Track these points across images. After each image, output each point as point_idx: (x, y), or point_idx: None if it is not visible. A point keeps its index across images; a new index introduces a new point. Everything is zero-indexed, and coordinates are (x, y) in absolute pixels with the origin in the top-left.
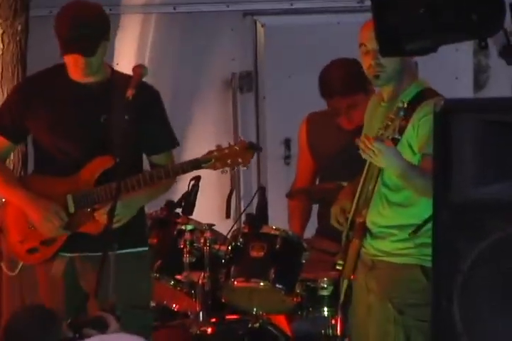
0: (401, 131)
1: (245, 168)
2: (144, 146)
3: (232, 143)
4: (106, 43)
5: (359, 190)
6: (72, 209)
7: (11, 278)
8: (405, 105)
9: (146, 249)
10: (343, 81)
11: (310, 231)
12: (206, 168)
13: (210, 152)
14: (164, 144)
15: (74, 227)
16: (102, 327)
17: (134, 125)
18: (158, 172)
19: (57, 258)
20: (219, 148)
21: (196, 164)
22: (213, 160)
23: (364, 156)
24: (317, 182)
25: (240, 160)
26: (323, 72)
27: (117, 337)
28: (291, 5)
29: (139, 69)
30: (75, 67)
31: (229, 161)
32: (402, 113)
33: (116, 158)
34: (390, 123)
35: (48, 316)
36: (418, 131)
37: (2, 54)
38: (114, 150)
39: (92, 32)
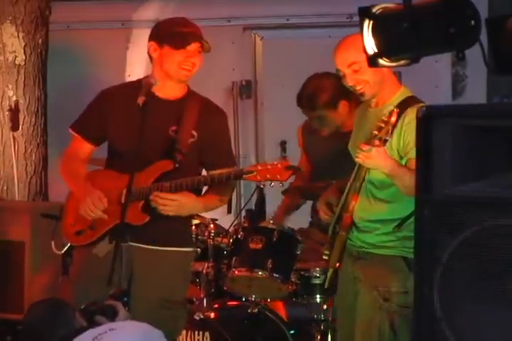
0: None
1: (281, 185)
2: (204, 161)
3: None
4: None
5: (348, 187)
6: (123, 200)
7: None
8: (397, 110)
9: (191, 249)
10: (309, 97)
11: (304, 225)
12: (247, 178)
13: (255, 165)
14: (221, 161)
15: (123, 217)
16: (112, 315)
17: (198, 140)
18: (205, 178)
19: (103, 241)
20: (264, 163)
21: (240, 173)
22: (255, 173)
23: (356, 160)
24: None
25: (278, 176)
26: (301, 87)
27: (124, 325)
28: (287, 20)
29: (148, 79)
30: (191, 57)
31: (268, 176)
32: (393, 118)
33: (175, 164)
34: (383, 125)
35: (60, 308)
36: (404, 136)
37: (25, 64)
38: (176, 157)
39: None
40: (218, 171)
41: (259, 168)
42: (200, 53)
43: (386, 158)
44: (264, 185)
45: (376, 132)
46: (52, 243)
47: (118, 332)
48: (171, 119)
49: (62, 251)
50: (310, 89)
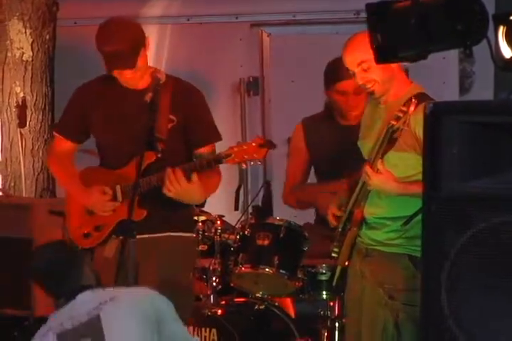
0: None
1: (259, 163)
2: (189, 141)
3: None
4: (144, 51)
5: (360, 183)
6: (120, 199)
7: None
8: (414, 100)
9: (192, 235)
10: None
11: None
12: (226, 162)
13: (231, 148)
14: (206, 138)
15: (130, 212)
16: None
17: (177, 123)
18: (189, 166)
19: (110, 240)
20: (239, 144)
21: (219, 158)
22: (233, 155)
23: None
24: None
25: (255, 155)
26: (334, 61)
27: (127, 292)
28: (294, 17)
29: (155, 75)
30: (123, 78)
31: (246, 156)
32: (412, 107)
33: (158, 154)
34: (401, 115)
35: (69, 250)
36: (420, 133)
37: (32, 61)
38: (157, 148)
39: (128, 46)
40: (198, 161)
41: (235, 149)
42: (131, 69)
43: (391, 183)
44: (245, 166)
45: (394, 122)
46: None
47: (117, 303)
48: (147, 108)
49: None
50: None
